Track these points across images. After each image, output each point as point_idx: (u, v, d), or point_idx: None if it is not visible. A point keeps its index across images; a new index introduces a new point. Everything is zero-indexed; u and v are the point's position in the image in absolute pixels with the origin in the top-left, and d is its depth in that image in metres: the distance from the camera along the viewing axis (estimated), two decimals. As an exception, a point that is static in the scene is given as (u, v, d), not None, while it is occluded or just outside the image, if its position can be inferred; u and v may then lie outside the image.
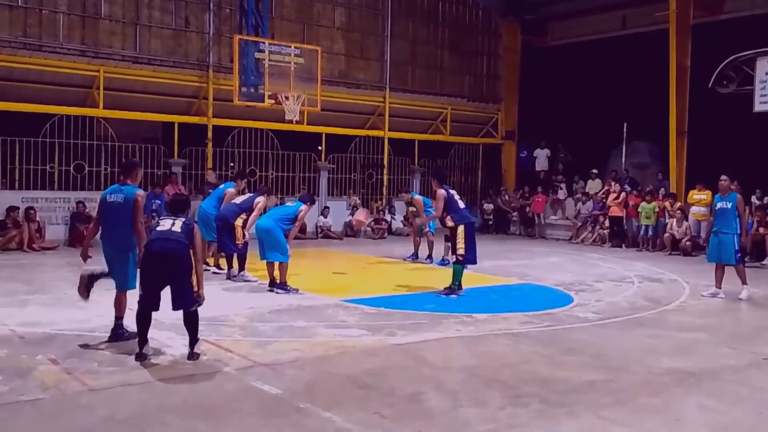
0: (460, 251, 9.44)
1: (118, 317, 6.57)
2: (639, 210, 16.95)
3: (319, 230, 18.09)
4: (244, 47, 16.13)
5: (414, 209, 13.62)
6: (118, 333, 6.52)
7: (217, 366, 5.90)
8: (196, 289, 6.03)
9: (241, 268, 10.54)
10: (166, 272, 5.92)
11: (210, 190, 13.60)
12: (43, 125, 15.42)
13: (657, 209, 16.69)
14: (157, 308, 6.01)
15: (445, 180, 10.40)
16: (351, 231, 18.67)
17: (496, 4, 22.09)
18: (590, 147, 20.27)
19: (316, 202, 16.77)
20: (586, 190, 19.52)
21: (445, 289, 9.65)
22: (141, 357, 5.93)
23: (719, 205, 10.12)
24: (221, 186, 11.70)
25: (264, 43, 16.30)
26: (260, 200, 10.51)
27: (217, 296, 9.03)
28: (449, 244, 10.88)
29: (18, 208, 14.03)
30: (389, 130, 20.02)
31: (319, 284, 10.31)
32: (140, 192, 6.63)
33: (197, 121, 17.05)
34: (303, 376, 5.69)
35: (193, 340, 6.08)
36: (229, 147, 17.87)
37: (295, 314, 8.14)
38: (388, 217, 19.46)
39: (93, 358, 6.05)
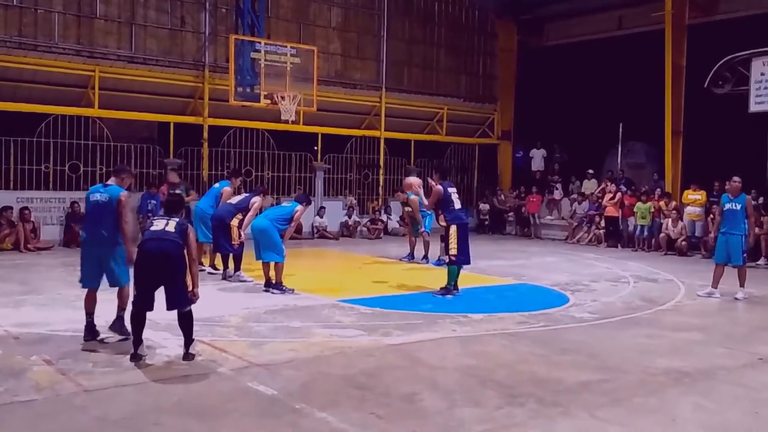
0: (453, 251, 9.45)
1: (121, 308, 6.61)
2: (635, 210, 16.98)
3: (315, 230, 18.08)
4: (240, 47, 16.10)
5: (410, 209, 13.61)
6: (121, 325, 6.55)
7: (213, 366, 5.89)
8: (190, 288, 6.02)
9: (237, 268, 10.52)
10: (160, 272, 5.91)
11: (174, 191, 13.55)
12: (38, 125, 15.37)
13: (653, 209, 16.72)
14: (151, 308, 5.99)
15: (446, 176, 10.33)
16: (347, 231, 18.66)
17: (492, 4, 22.09)
18: (586, 147, 20.28)
19: (312, 203, 16.74)
20: (582, 191, 19.53)
21: (441, 289, 9.65)
22: (136, 357, 5.92)
23: (728, 206, 10.11)
24: (216, 185, 11.69)
25: (260, 42, 16.27)
26: (256, 200, 10.49)
27: (213, 297, 9.01)
28: (443, 244, 10.88)
29: (12, 208, 13.98)
30: (385, 130, 20.01)
31: (315, 284, 10.30)
32: (124, 192, 6.64)
33: (193, 121, 17.02)
34: (298, 377, 5.68)
35: (188, 340, 6.07)
36: (224, 147, 17.84)
37: (290, 314, 8.13)
38: (384, 217, 19.45)
39: (88, 358, 6.04)
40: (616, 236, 17.60)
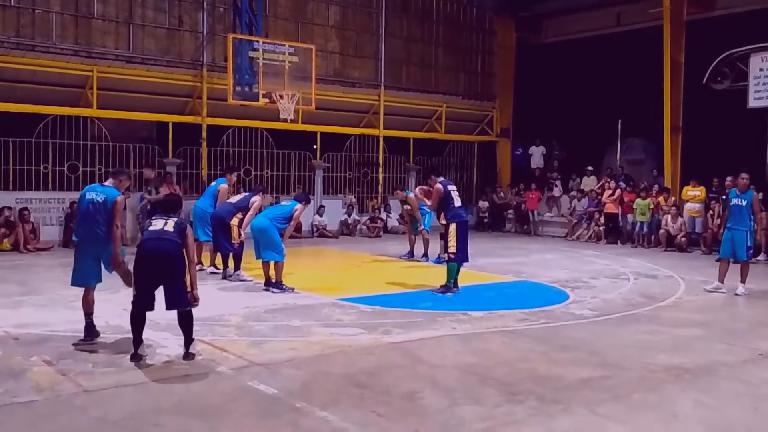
0: (452, 249, 9.45)
1: (88, 314, 6.64)
2: (634, 206, 16.98)
3: (315, 229, 18.07)
4: (238, 46, 16.08)
5: (409, 207, 13.61)
6: (91, 331, 6.63)
7: (213, 366, 5.89)
8: (189, 289, 6.02)
9: (237, 267, 10.52)
10: (159, 272, 5.91)
11: (149, 188, 13.49)
12: (36, 125, 15.35)
13: (652, 206, 16.72)
14: (151, 308, 5.99)
15: (438, 173, 10.37)
16: (346, 230, 18.66)
17: (490, 1, 22.06)
18: (585, 144, 20.29)
19: (312, 201, 16.74)
20: (582, 187, 19.53)
21: (440, 287, 9.65)
22: (136, 357, 5.91)
23: (734, 201, 10.15)
24: (213, 183, 11.69)
25: (258, 41, 16.25)
26: (256, 199, 10.49)
27: (213, 296, 9.01)
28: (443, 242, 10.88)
29: (12, 208, 13.97)
30: (384, 128, 19.99)
31: (315, 283, 10.30)
32: (120, 196, 6.64)
33: (191, 121, 17.00)
34: (299, 376, 5.68)
35: (188, 340, 6.07)
36: (223, 146, 17.83)
37: (290, 313, 8.13)
38: (383, 215, 19.45)
39: (87, 359, 6.03)
40: (615, 233, 17.60)
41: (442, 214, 9.66)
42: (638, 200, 16.88)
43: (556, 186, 20.57)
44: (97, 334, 6.59)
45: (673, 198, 16.71)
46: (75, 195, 14.81)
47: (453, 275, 9.59)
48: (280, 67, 16.09)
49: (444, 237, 9.82)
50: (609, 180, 18.36)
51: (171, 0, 16.59)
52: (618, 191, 17.71)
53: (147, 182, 13.82)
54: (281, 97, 16.00)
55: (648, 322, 8.08)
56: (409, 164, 21.04)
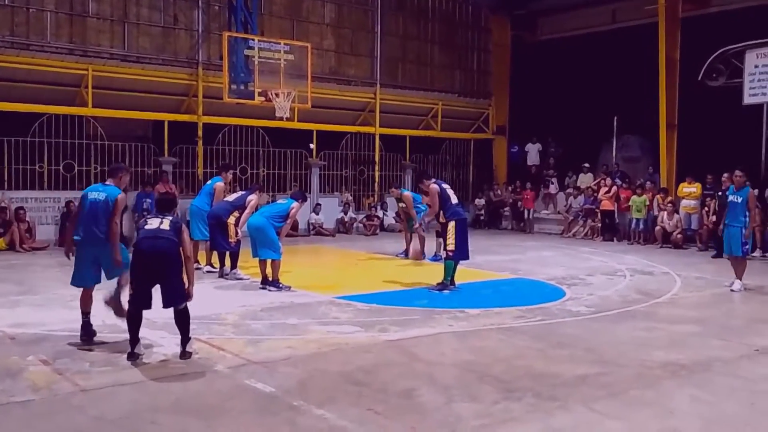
0: (450, 247, 9.46)
1: (85, 313, 6.63)
2: (630, 203, 17.00)
3: (311, 227, 18.07)
4: (234, 44, 16.06)
5: (404, 205, 13.61)
6: (88, 330, 6.59)
7: (210, 364, 5.89)
8: (186, 286, 6.02)
9: (234, 266, 10.51)
10: (156, 270, 5.91)
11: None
12: (31, 125, 15.30)
13: (648, 202, 16.75)
14: (148, 307, 5.98)
15: (430, 176, 10.43)
16: (343, 228, 18.66)
17: (485, -1, 22.11)
18: (581, 141, 20.32)
19: (308, 199, 16.74)
20: (578, 185, 19.56)
21: (437, 284, 9.66)
22: (133, 356, 5.91)
23: (731, 198, 10.27)
24: (209, 182, 11.68)
25: (253, 40, 16.23)
26: (253, 198, 10.48)
27: (210, 294, 9.01)
28: (441, 240, 10.90)
29: (6, 207, 13.94)
30: (380, 126, 19.98)
31: (312, 281, 10.30)
32: (122, 195, 6.64)
33: (187, 119, 16.97)
34: (296, 374, 5.68)
35: (185, 338, 6.07)
36: (219, 145, 17.80)
37: (287, 312, 8.13)
38: (380, 213, 19.45)
39: (84, 358, 6.02)
40: (611, 230, 17.63)
41: (441, 212, 9.67)
42: (634, 197, 16.91)
43: (552, 183, 20.59)
44: (93, 333, 6.59)
45: (669, 197, 16.73)
46: (70, 194, 14.89)
47: (450, 273, 9.60)
48: (275, 65, 16.08)
49: (443, 235, 9.82)
50: (605, 177, 18.38)
51: (166, -2, 16.57)
52: (614, 188, 17.73)
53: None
54: (277, 95, 15.99)
55: (644, 319, 8.10)
56: (405, 162, 21.05)
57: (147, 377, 5.52)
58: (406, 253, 13.62)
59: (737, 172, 10.35)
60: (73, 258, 6.75)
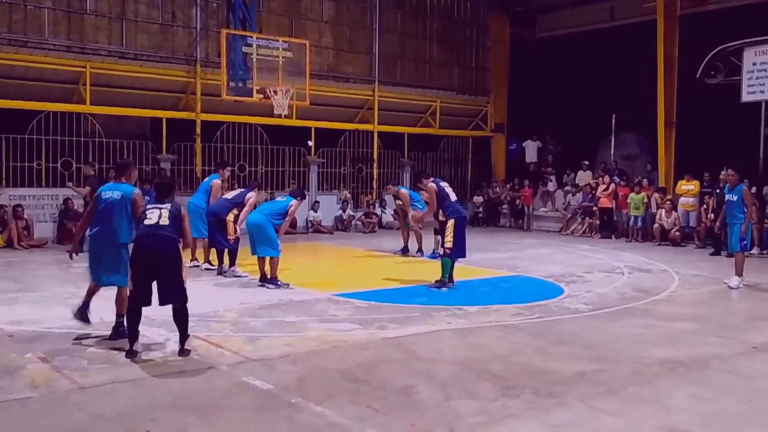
0: (448, 244, 9.46)
1: (120, 314, 6.52)
2: (628, 201, 17.02)
3: (310, 225, 18.07)
4: (232, 41, 16.05)
5: (401, 202, 13.63)
6: (119, 330, 6.46)
7: (208, 362, 5.89)
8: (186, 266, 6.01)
9: (232, 263, 10.51)
10: (155, 267, 5.90)
11: (89, 185, 13.38)
12: (29, 122, 15.30)
13: (646, 200, 16.76)
14: (148, 303, 5.98)
15: (428, 175, 10.46)
16: (341, 225, 18.66)
17: (484, -4, 22.10)
18: (579, 139, 20.32)
19: (307, 197, 16.73)
20: (577, 182, 19.57)
21: (435, 282, 9.66)
22: (131, 354, 5.90)
23: (727, 197, 10.48)
24: (206, 179, 11.67)
25: (251, 37, 16.23)
26: (251, 195, 10.48)
27: (208, 292, 9.01)
28: (439, 237, 10.90)
29: (5, 205, 13.92)
30: (378, 123, 19.99)
31: (310, 279, 10.30)
32: (137, 191, 6.63)
33: (185, 117, 16.96)
34: (294, 371, 5.68)
35: (183, 336, 6.06)
36: (217, 142, 17.79)
37: (285, 309, 8.13)
38: (378, 210, 19.45)
39: (83, 355, 6.02)
40: (609, 227, 17.65)
41: (441, 211, 9.68)
42: (632, 195, 16.92)
43: (551, 181, 20.61)
44: (87, 320, 6.59)
45: (668, 195, 16.74)
46: (68, 192, 14.87)
47: (448, 270, 9.60)
48: (274, 63, 16.07)
49: (441, 232, 9.84)
50: (603, 175, 18.39)
51: (164, -5, 16.55)
52: (612, 186, 17.74)
53: (86, 180, 13.63)
54: (275, 92, 15.99)
55: (642, 316, 8.11)
56: (403, 159, 21.06)
57: (145, 375, 5.52)
58: (404, 251, 13.65)
59: (729, 171, 10.57)
60: (75, 256, 6.76)
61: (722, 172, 12.14)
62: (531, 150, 22.02)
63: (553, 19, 21.68)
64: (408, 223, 13.42)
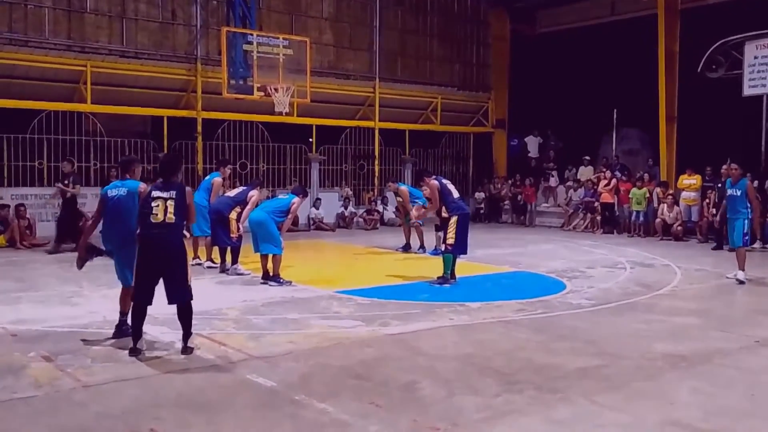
0: (450, 241, 9.47)
1: (123, 312, 6.53)
2: (630, 196, 17.00)
3: (312, 222, 18.07)
4: (232, 39, 16.03)
5: (401, 199, 13.63)
6: (122, 329, 6.48)
7: (211, 360, 5.90)
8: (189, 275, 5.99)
9: (234, 261, 10.52)
10: (161, 265, 5.90)
11: (65, 181, 13.33)
12: (30, 121, 15.30)
13: (648, 195, 16.75)
14: (150, 302, 5.98)
15: (430, 174, 10.46)
16: (343, 222, 18.67)
17: (484, -8, 22.06)
18: (581, 134, 20.31)
19: (308, 194, 16.73)
20: (578, 177, 19.56)
21: (438, 278, 9.67)
22: (135, 352, 5.91)
23: (729, 192, 10.38)
24: (207, 177, 11.67)
25: (252, 34, 16.21)
26: (254, 193, 10.48)
27: (211, 290, 9.01)
28: (440, 234, 10.90)
29: (8, 205, 13.93)
30: (380, 120, 19.97)
31: (313, 276, 10.31)
32: (143, 185, 6.58)
33: (186, 115, 16.96)
34: (297, 368, 5.69)
35: (187, 333, 6.07)
36: (219, 140, 17.79)
37: (288, 306, 8.14)
38: (380, 207, 19.44)
39: (86, 354, 6.03)
40: (611, 222, 17.63)
41: (444, 207, 9.69)
42: (634, 189, 16.91)
43: (553, 176, 20.59)
44: (125, 333, 6.39)
45: (670, 190, 16.73)
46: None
47: (449, 266, 9.61)
48: (274, 60, 16.06)
49: (443, 228, 9.84)
50: (605, 170, 18.38)
51: (164, -6, 16.53)
52: (614, 181, 17.73)
53: (64, 176, 13.60)
54: (276, 90, 15.97)
55: (645, 311, 8.11)
56: (404, 156, 21.05)
57: (149, 373, 5.53)
58: (406, 248, 13.65)
59: (732, 165, 10.51)
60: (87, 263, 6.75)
61: (724, 166, 12.09)
62: (532, 146, 22.00)
63: (553, 15, 21.65)
64: (409, 220, 13.42)
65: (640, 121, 19.55)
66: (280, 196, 10.31)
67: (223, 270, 10.57)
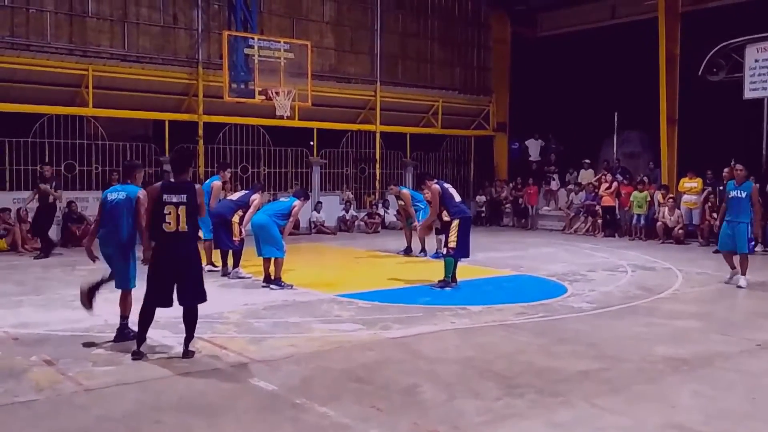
0: (451, 244, 9.46)
1: (124, 316, 6.54)
2: (631, 199, 17.00)
3: (313, 225, 18.08)
4: (233, 43, 16.07)
5: (402, 203, 13.63)
6: (123, 333, 6.48)
7: (213, 363, 5.90)
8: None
9: (236, 264, 10.52)
10: (176, 273, 5.94)
11: (43, 185, 13.27)
12: (32, 125, 15.33)
13: (649, 198, 16.74)
14: (163, 305, 5.99)
15: (432, 176, 10.49)
16: (344, 226, 18.68)
17: (485, -5, 22.10)
18: (582, 137, 20.31)
19: (310, 198, 16.72)
20: (579, 181, 19.56)
21: (439, 282, 9.67)
22: (137, 355, 5.92)
23: (733, 193, 10.05)
24: (207, 181, 11.69)
25: (253, 38, 16.25)
26: (256, 197, 10.49)
27: (212, 293, 8.91)
28: (441, 237, 10.90)
29: (9, 209, 13.95)
30: (381, 123, 19.99)
31: (314, 280, 10.31)
32: (142, 191, 6.59)
33: (188, 119, 16.98)
34: (298, 372, 5.69)
35: (190, 336, 6.07)
36: (220, 144, 17.81)
37: (289, 310, 8.14)
38: (381, 211, 19.46)
39: (88, 357, 6.03)
40: (612, 225, 17.63)
41: (446, 211, 9.68)
42: (635, 193, 16.91)
43: (554, 180, 20.60)
44: (133, 337, 6.32)
45: (671, 194, 16.73)
46: (72, 194, 14.93)
47: (450, 270, 9.60)
48: (275, 64, 16.10)
49: (445, 232, 9.84)
50: (606, 173, 18.38)
51: (165, -2, 16.58)
52: (615, 184, 17.73)
53: (44, 180, 13.58)
54: (277, 93, 16.01)
55: (646, 314, 8.10)
56: (406, 160, 21.06)
57: (150, 376, 5.53)
58: (407, 251, 13.65)
59: (738, 167, 10.22)
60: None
61: (726, 169, 11.98)
62: (533, 149, 22.01)
63: (554, 18, 21.68)
64: (411, 223, 13.43)
65: (641, 124, 19.56)
66: (282, 200, 10.32)
67: (225, 273, 10.58)
